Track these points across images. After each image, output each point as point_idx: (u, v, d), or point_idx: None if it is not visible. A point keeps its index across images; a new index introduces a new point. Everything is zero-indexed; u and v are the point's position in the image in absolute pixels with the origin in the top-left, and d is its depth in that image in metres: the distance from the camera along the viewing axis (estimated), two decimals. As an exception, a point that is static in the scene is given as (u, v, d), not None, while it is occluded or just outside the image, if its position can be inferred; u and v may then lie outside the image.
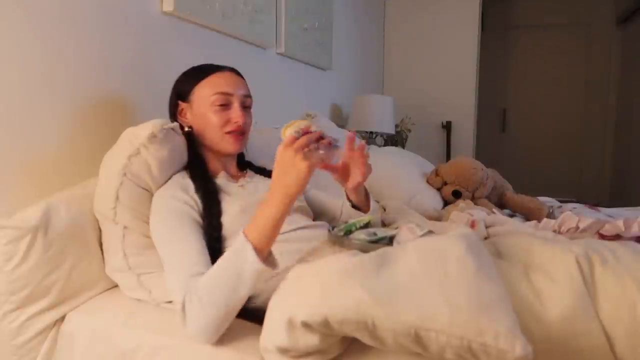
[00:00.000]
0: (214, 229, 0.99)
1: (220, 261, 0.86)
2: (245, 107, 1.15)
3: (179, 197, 1.01)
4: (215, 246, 0.98)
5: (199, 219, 1.00)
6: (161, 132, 1.05)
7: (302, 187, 0.83)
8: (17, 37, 1.06)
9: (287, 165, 0.84)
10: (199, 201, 1.02)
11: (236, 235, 0.98)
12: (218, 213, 1.02)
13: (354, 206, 1.15)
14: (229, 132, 1.11)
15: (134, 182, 1.04)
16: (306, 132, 0.87)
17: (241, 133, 1.13)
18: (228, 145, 1.12)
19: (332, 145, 0.92)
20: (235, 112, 1.11)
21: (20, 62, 1.07)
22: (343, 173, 1.07)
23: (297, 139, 0.85)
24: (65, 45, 1.17)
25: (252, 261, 0.82)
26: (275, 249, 1.01)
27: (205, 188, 1.05)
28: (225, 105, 1.11)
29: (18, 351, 0.98)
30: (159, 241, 0.98)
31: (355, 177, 1.05)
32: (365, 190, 1.14)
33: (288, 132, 0.87)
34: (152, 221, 1.01)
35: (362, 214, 1.12)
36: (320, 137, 0.89)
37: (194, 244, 0.94)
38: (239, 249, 0.84)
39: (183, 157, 1.14)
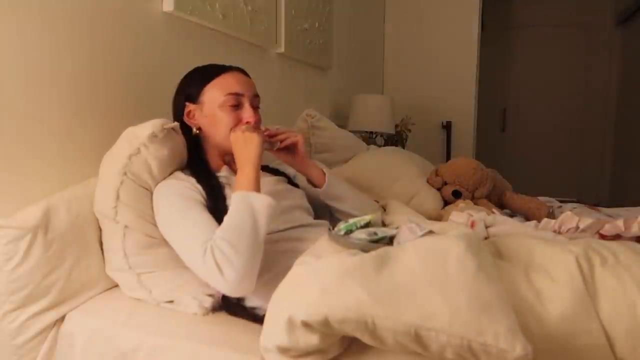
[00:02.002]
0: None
1: (230, 213, 0.93)
2: (255, 107, 1.15)
3: (184, 184, 1.03)
4: None
5: (205, 203, 1.02)
6: (161, 132, 1.05)
7: (260, 151, 1.04)
8: (17, 37, 1.06)
9: (241, 140, 1.04)
10: (203, 191, 1.04)
11: None
12: (224, 209, 1.02)
13: (310, 182, 1.26)
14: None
15: (135, 181, 1.04)
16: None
17: None
18: None
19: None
20: (247, 112, 1.12)
21: (20, 62, 1.07)
22: (286, 156, 1.20)
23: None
24: (65, 45, 1.17)
25: (259, 199, 0.95)
26: (275, 247, 1.02)
27: (210, 184, 1.06)
28: (237, 106, 1.12)
29: (18, 351, 0.98)
30: (170, 223, 0.99)
31: (295, 154, 1.20)
32: (322, 170, 1.25)
33: None
34: (159, 206, 1.02)
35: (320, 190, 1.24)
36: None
37: (206, 220, 0.96)
38: (241, 198, 0.95)
39: (183, 156, 1.14)
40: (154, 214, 1.04)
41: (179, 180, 1.06)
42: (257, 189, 0.99)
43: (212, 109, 1.12)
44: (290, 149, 1.20)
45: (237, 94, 1.11)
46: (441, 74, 3.47)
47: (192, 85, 1.15)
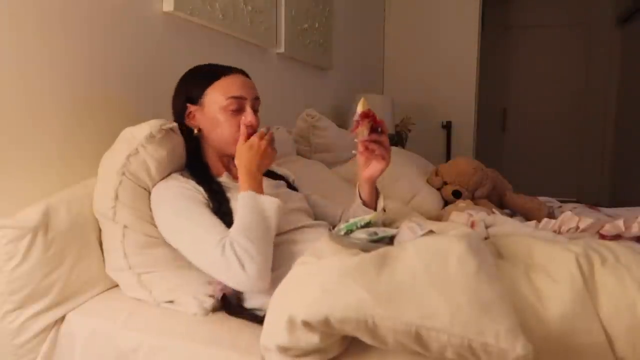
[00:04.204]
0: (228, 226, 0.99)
1: (241, 214, 0.95)
2: (255, 111, 1.13)
3: (184, 186, 1.03)
4: None
5: (208, 204, 1.02)
6: (159, 132, 1.05)
7: (262, 164, 1.04)
8: (17, 37, 1.06)
9: (255, 151, 1.03)
10: (205, 194, 1.03)
11: None
12: (229, 212, 1.02)
13: (364, 204, 1.16)
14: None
15: (133, 181, 1.04)
16: (366, 115, 1.03)
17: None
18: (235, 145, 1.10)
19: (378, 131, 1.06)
20: (249, 116, 1.10)
21: (20, 62, 1.07)
22: (366, 155, 1.09)
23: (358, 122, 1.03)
24: (65, 45, 1.17)
25: (268, 200, 0.98)
26: (277, 249, 1.02)
27: (211, 188, 1.05)
28: (238, 110, 1.10)
29: (18, 351, 0.98)
30: (177, 227, 0.99)
31: (371, 168, 1.10)
32: (377, 189, 1.16)
33: (362, 107, 1.03)
34: (161, 210, 1.02)
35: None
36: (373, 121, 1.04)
37: (214, 220, 0.97)
38: (249, 198, 0.97)
39: (181, 158, 1.14)
40: (153, 215, 1.04)
41: (179, 181, 1.05)
42: (260, 188, 1.02)
43: (213, 112, 1.10)
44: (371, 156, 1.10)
45: (239, 98, 1.10)
46: (441, 74, 3.48)
47: (193, 87, 1.14)
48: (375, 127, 1.05)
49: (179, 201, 1.00)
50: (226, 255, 0.89)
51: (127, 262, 1.05)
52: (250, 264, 0.88)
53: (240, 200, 0.97)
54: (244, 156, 1.03)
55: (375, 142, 1.06)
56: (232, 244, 0.90)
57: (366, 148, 1.07)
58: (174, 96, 1.17)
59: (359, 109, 1.03)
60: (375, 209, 1.14)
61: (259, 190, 1.01)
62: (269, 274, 0.92)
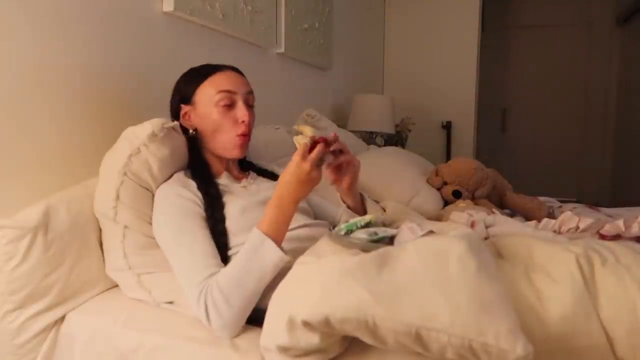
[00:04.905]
0: (219, 235, 1.00)
1: (240, 259, 0.90)
2: (249, 106, 1.13)
3: (184, 194, 1.02)
4: (219, 247, 0.98)
5: (204, 214, 1.01)
6: (161, 131, 1.05)
7: (309, 193, 0.95)
8: (17, 37, 1.06)
9: (303, 176, 0.92)
10: (202, 200, 1.03)
11: (238, 234, 1.00)
12: (221, 218, 1.02)
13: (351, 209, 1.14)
14: (238, 135, 1.09)
15: (135, 181, 1.04)
16: (315, 142, 0.95)
17: (246, 135, 1.11)
18: (235, 150, 1.11)
19: (335, 153, 1.01)
20: (241, 111, 1.09)
21: (21, 62, 1.07)
22: (335, 176, 1.06)
23: (311, 147, 0.94)
24: (65, 44, 1.17)
25: (273, 254, 0.90)
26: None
27: (208, 192, 1.04)
28: (230, 105, 1.10)
29: (18, 351, 0.98)
30: (167, 244, 0.99)
31: (346, 178, 1.06)
32: (361, 194, 1.14)
33: (302, 141, 0.95)
34: (158, 220, 1.02)
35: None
36: (327, 145, 0.97)
37: (204, 247, 0.95)
38: (257, 245, 0.91)
39: (184, 157, 1.14)
40: (152, 219, 1.04)
41: (183, 186, 1.04)
42: (283, 232, 0.94)
43: (206, 109, 1.10)
44: (341, 170, 1.06)
45: (229, 92, 1.09)
46: (441, 74, 3.48)
47: (185, 86, 1.14)
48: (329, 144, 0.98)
49: (176, 218, 0.99)
50: (200, 301, 0.88)
51: (127, 262, 1.05)
52: (216, 318, 0.87)
53: (249, 240, 0.93)
54: (285, 176, 0.93)
55: (337, 156, 1.01)
56: (207, 296, 0.88)
57: (334, 170, 1.04)
58: (170, 99, 1.18)
59: (308, 133, 0.96)
60: (363, 213, 1.13)
61: (282, 227, 0.94)
62: (237, 326, 0.89)
